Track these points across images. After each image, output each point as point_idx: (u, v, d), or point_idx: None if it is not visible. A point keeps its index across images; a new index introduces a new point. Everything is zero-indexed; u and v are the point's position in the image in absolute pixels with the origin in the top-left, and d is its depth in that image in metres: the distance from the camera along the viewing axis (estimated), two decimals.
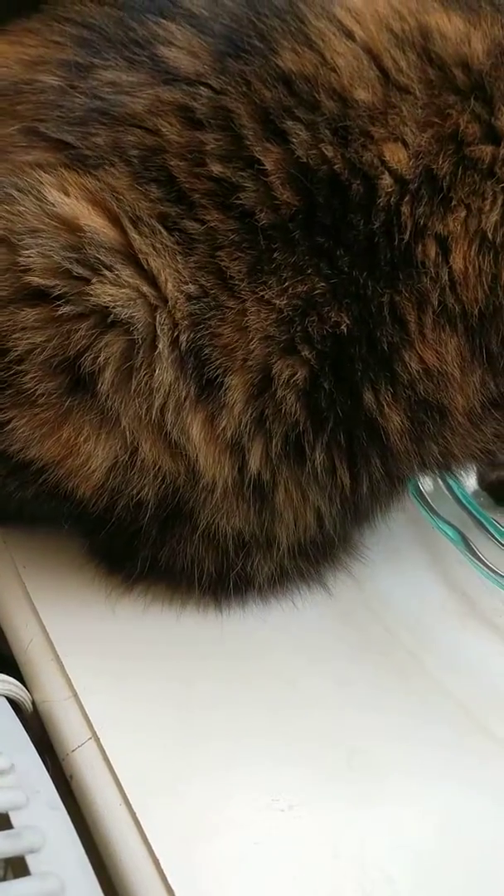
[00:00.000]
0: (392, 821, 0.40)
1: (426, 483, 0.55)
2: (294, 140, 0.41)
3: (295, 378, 0.43)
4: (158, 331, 0.41)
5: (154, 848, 0.36)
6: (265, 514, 0.46)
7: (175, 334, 0.41)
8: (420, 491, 0.53)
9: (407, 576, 0.54)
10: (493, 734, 0.45)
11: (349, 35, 0.43)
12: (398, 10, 0.45)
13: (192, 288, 0.41)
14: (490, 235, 0.42)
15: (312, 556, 0.50)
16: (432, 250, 0.42)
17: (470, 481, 0.64)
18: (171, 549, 0.47)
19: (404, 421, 0.45)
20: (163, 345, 0.41)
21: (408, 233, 0.42)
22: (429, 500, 0.52)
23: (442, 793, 0.41)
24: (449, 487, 0.54)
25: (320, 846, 0.38)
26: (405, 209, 0.42)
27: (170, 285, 0.41)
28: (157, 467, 0.43)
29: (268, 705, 0.44)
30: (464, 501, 0.53)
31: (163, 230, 0.41)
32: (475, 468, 0.63)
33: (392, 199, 0.42)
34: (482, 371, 0.45)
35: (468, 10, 0.45)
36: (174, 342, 0.41)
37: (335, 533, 0.49)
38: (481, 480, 0.63)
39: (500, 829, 0.40)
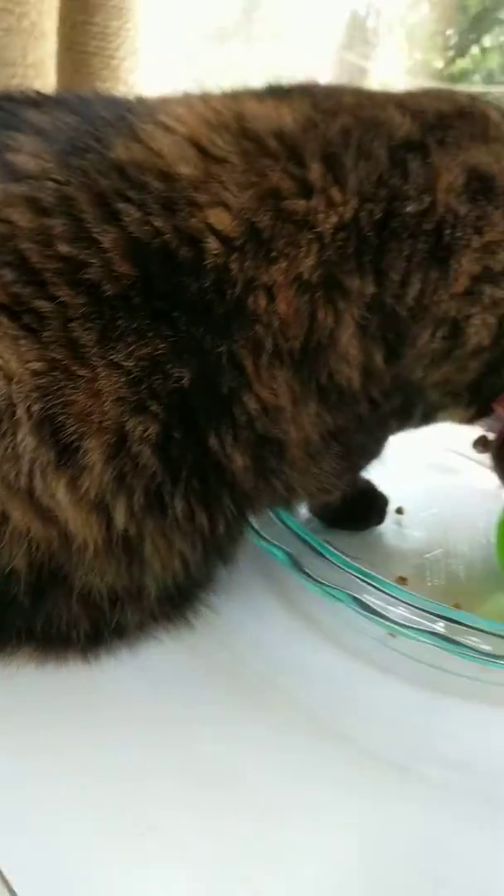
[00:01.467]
0: (256, 828, 0.41)
1: None
2: (126, 219, 0.45)
3: (147, 433, 0.45)
4: (15, 399, 0.42)
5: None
6: (135, 567, 0.48)
7: (28, 404, 0.43)
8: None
9: (250, 603, 0.57)
10: (347, 735, 0.47)
11: (171, 130, 0.48)
12: (215, 107, 0.50)
13: (37, 365, 0.43)
14: (306, 277, 0.47)
15: (178, 599, 0.52)
16: (262, 300, 0.46)
17: (302, 509, 0.69)
18: (46, 616, 0.47)
19: (247, 459, 0.48)
20: (21, 412, 0.42)
21: (238, 287, 0.46)
22: (256, 526, 0.56)
23: (302, 794, 0.43)
24: (278, 516, 0.58)
25: (182, 860, 0.39)
26: (233, 266, 0.46)
27: (13, 364, 0.43)
28: (28, 535, 0.44)
29: (120, 741, 0.45)
30: (292, 527, 0.57)
31: (4, 319, 0.43)
32: None
33: (220, 258, 0.45)
34: (316, 404, 0.49)
35: (280, 98, 0.51)
36: (28, 411, 0.43)
37: (200, 575, 0.52)
38: (310, 507, 0.68)
39: (365, 824, 0.42)
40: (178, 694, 0.49)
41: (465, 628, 0.48)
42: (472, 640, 0.48)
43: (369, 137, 0.49)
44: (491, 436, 0.66)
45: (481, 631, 0.48)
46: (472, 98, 0.56)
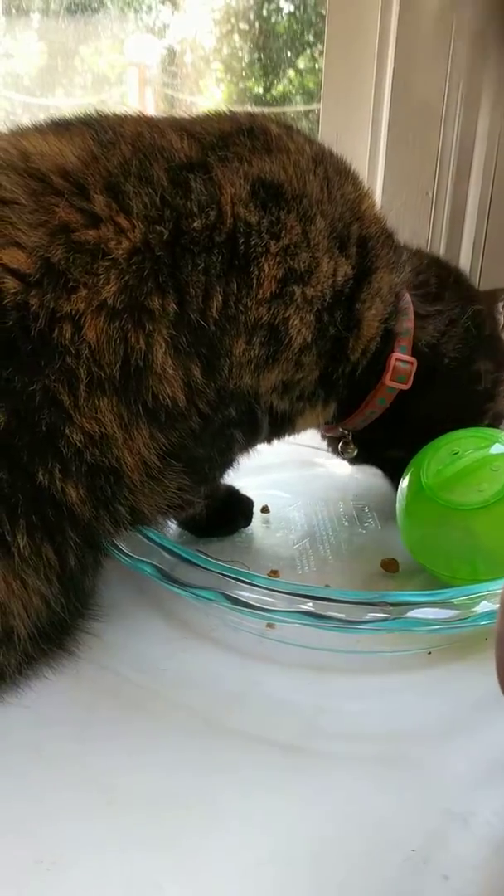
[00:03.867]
0: (162, 838, 0.41)
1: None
2: None
3: None
4: None
5: None
6: None
7: None
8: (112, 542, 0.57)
9: (127, 620, 0.57)
10: (234, 730, 0.48)
11: None
12: (1, 146, 0.50)
13: None
14: (111, 303, 0.47)
15: (53, 635, 0.51)
16: (68, 331, 0.47)
17: (171, 524, 0.70)
18: None
19: (81, 491, 0.48)
20: None
21: (42, 321, 0.46)
22: (119, 545, 0.56)
23: (204, 795, 0.44)
24: (145, 535, 0.58)
25: (88, 893, 0.39)
26: (33, 301, 0.46)
27: None
28: None
29: (13, 782, 0.44)
30: (160, 542, 0.58)
31: None
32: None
33: (19, 296, 0.46)
34: (147, 427, 0.50)
35: (62, 134, 0.52)
36: None
37: (66, 609, 0.51)
38: (177, 522, 0.69)
39: (265, 809, 0.43)
40: (68, 722, 0.49)
41: (331, 603, 0.50)
42: (339, 613, 0.50)
43: (148, 164, 0.50)
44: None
45: (343, 602, 0.50)
46: (252, 115, 0.59)
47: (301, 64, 1.38)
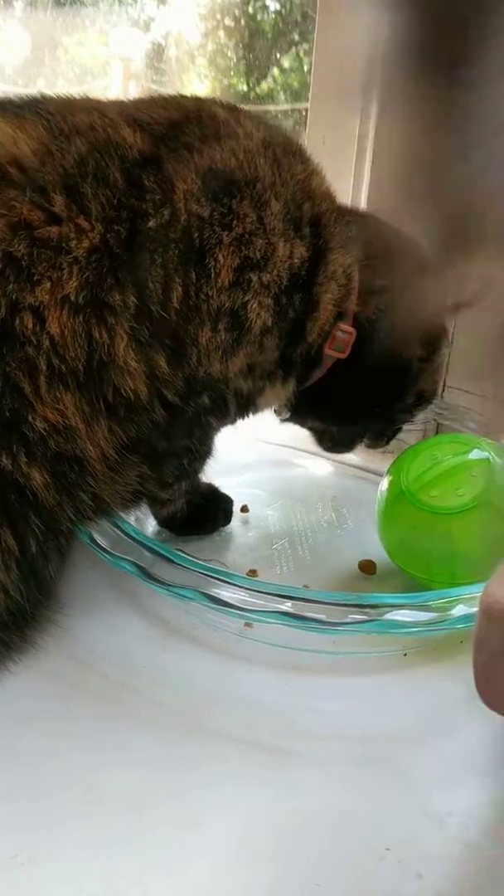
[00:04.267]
0: (138, 834, 0.41)
1: (102, 531, 0.59)
2: None
3: None
4: None
5: None
6: None
7: None
8: (93, 538, 0.57)
9: (107, 618, 0.58)
10: (212, 729, 0.49)
11: None
12: None
13: None
14: (73, 299, 0.48)
15: (13, 625, 0.51)
16: (29, 321, 0.47)
17: (151, 521, 0.70)
18: None
19: (45, 476, 0.49)
20: None
21: (2, 310, 0.46)
22: (101, 543, 0.56)
23: (179, 793, 0.44)
24: (125, 532, 0.58)
25: (65, 888, 0.39)
26: None
27: None
28: None
29: None
30: (140, 539, 0.58)
31: None
32: (150, 511, 0.69)
33: None
34: (107, 421, 0.51)
35: (14, 117, 0.51)
36: None
37: (26, 599, 0.51)
38: (157, 520, 0.70)
39: (241, 809, 0.43)
40: (47, 719, 0.49)
41: (309, 604, 0.51)
42: (317, 614, 0.50)
43: (104, 163, 0.51)
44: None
45: (322, 603, 0.50)
46: (199, 100, 0.59)
47: (286, 63, 1.38)
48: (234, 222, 0.54)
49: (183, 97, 0.60)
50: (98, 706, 0.50)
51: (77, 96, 0.57)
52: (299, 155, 0.61)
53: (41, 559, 0.51)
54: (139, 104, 0.57)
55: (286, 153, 0.59)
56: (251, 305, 0.55)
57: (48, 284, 0.48)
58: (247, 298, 0.55)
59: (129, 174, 0.51)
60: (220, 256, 0.53)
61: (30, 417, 0.48)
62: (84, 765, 0.46)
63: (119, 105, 0.56)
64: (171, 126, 0.55)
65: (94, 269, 0.49)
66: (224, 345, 0.55)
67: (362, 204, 0.90)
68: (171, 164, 0.53)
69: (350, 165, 0.92)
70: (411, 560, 0.60)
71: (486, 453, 0.60)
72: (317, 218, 0.59)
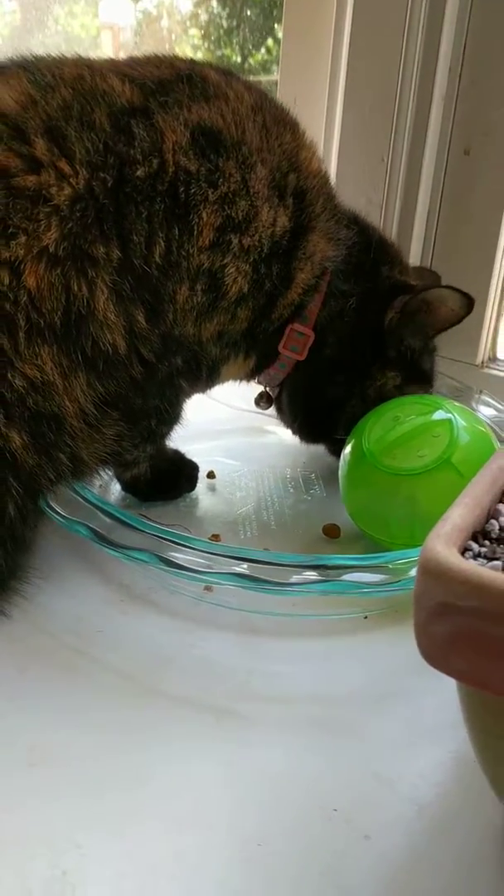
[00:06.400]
0: (87, 798, 0.41)
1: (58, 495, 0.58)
2: None
3: None
4: None
5: None
6: None
7: None
8: (47, 502, 0.56)
9: (64, 582, 0.57)
10: (165, 692, 0.48)
11: None
12: None
13: None
14: (52, 251, 0.47)
15: None
16: (6, 277, 0.46)
17: (116, 487, 0.69)
18: None
19: (24, 436, 0.48)
20: None
21: None
22: (56, 507, 0.55)
23: (130, 756, 0.43)
24: (84, 497, 0.57)
25: (3, 847, 0.38)
26: None
27: None
28: None
29: None
30: (97, 503, 0.57)
31: None
32: (114, 474, 0.68)
33: None
34: (85, 374, 0.50)
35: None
36: None
37: (5, 565, 0.51)
38: (121, 483, 0.69)
39: (192, 772, 0.42)
40: None
41: (265, 566, 0.50)
42: (273, 577, 0.49)
43: (90, 108, 0.50)
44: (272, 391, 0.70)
45: (278, 565, 0.49)
46: (192, 62, 0.58)
47: (280, 33, 1.36)
48: (221, 180, 0.53)
49: (177, 58, 0.58)
50: (51, 670, 0.49)
51: (68, 55, 0.55)
52: (290, 126, 0.60)
53: (20, 523, 0.50)
54: (132, 62, 0.56)
55: (276, 121, 0.58)
56: (229, 269, 0.54)
57: (23, 238, 0.47)
58: (225, 261, 0.54)
59: (118, 120, 0.50)
60: (204, 214, 0.52)
61: (9, 375, 0.47)
62: (31, 726, 0.45)
63: (110, 62, 0.55)
64: (162, 83, 0.53)
65: (77, 219, 0.48)
66: (199, 307, 0.54)
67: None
68: (160, 115, 0.52)
69: (320, 128, 0.91)
70: (373, 522, 0.60)
71: (450, 414, 0.58)
72: (301, 191, 0.58)
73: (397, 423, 0.60)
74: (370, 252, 0.65)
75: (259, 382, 0.70)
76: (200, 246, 0.52)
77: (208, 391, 0.67)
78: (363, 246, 0.65)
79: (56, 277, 0.47)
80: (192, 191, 0.51)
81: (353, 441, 0.62)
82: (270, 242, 0.55)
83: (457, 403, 0.62)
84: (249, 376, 0.67)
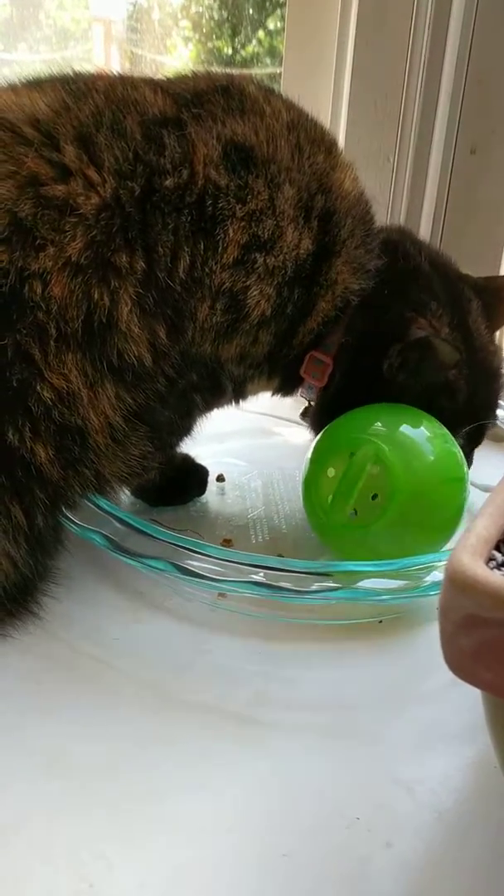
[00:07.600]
0: (110, 808, 0.41)
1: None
2: None
3: None
4: None
5: None
6: None
7: None
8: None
9: (80, 591, 0.57)
10: (184, 700, 0.48)
11: None
12: None
13: None
14: (75, 260, 0.47)
15: (19, 597, 0.52)
16: (38, 287, 0.46)
17: (125, 492, 0.69)
18: None
19: (50, 451, 0.48)
20: None
21: (12, 277, 0.45)
22: (70, 515, 0.55)
23: (153, 767, 0.43)
24: (97, 505, 0.57)
25: (29, 860, 0.38)
26: (3, 258, 0.45)
27: None
28: None
29: None
30: (112, 511, 0.57)
31: None
32: None
33: None
34: (113, 386, 0.50)
35: (34, 88, 0.51)
36: None
37: (33, 571, 0.51)
38: (130, 489, 0.69)
39: (214, 780, 0.43)
40: (16, 693, 0.48)
41: (281, 573, 0.50)
42: (290, 583, 0.50)
43: (122, 116, 0.50)
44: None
45: (294, 572, 0.50)
46: (231, 76, 0.57)
47: (271, 25, 1.35)
48: (249, 197, 0.52)
49: (215, 72, 0.58)
50: (69, 680, 0.49)
51: (106, 71, 0.55)
52: (326, 146, 0.58)
53: (48, 533, 0.51)
54: (169, 79, 0.56)
55: (311, 141, 0.57)
56: (252, 291, 0.53)
57: (51, 249, 0.47)
58: (249, 282, 0.53)
59: (149, 129, 0.50)
60: (231, 230, 0.51)
61: (38, 387, 0.47)
62: (53, 737, 0.45)
63: (146, 77, 0.55)
64: (198, 94, 0.53)
65: (102, 227, 0.48)
66: (218, 327, 0.54)
67: None
68: (192, 126, 0.51)
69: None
70: (362, 556, 0.56)
71: (374, 443, 0.56)
72: (328, 213, 0.57)
73: (334, 475, 0.57)
74: (387, 286, 0.61)
75: (302, 396, 0.67)
76: (224, 263, 0.52)
77: (240, 405, 0.66)
78: (386, 277, 0.61)
79: (77, 285, 0.47)
80: (220, 205, 0.51)
81: (308, 511, 0.61)
82: (294, 265, 0.54)
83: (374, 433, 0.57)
84: (279, 393, 0.66)
